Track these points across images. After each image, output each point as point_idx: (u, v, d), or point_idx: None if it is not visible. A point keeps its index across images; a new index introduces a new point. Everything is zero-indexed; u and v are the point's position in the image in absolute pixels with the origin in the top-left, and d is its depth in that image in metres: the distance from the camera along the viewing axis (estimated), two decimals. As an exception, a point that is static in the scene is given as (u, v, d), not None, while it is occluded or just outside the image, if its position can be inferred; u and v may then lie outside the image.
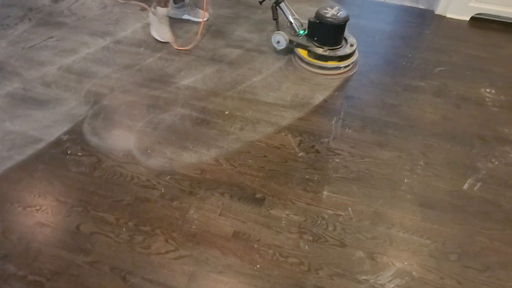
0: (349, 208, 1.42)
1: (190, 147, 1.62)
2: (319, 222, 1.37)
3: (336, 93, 1.95)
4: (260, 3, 2.08)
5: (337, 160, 1.60)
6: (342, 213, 1.40)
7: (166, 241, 1.30)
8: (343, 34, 2.02)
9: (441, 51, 2.31)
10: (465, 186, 1.52)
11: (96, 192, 1.43)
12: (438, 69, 2.16)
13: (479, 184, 1.52)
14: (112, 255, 1.25)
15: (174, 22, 2.36)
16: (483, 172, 1.57)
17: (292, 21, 2.07)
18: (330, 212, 1.40)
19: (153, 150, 1.60)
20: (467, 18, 2.66)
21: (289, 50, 2.17)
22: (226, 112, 1.79)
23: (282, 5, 2.04)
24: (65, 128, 1.67)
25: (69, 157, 1.55)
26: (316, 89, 1.96)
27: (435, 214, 1.41)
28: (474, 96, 1.98)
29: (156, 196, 1.43)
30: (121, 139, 1.64)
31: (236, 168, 1.54)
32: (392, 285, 1.20)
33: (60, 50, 2.12)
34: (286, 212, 1.40)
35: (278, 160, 1.58)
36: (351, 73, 2.06)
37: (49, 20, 2.39)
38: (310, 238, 1.32)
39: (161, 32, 2.19)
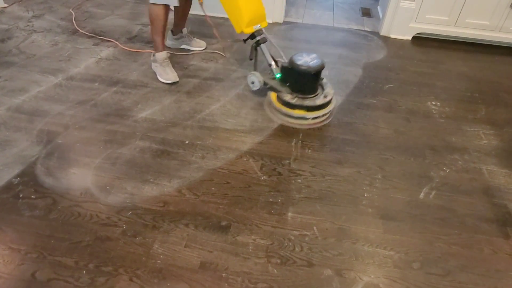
0: (314, 227, 1.44)
1: (151, 180, 1.59)
2: (286, 244, 1.37)
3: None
4: (244, 41, 2.07)
5: (299, 180, 1.62)
6: (308, 233, 1.41)
7: (131, 279, 1.24)
8: (315, 83, 1.93)
9: (388, 69, 2.47)
10: (421, 195, 1.59)
11: (52, 236, 1.35)
12: (387, 86, 2.29)
13: (433, 192, 1.60)
14: (72, 302, 1.18)
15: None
16: (437, 181, 1.66)
17: (272, 64, 2.02)
18: (296, 232, 1.41)
19: (112, 186, 1.55)
20: (409, 38, 2.87)
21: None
22: (187, 142, 1.79)
23: (263, 46, 2.01)
24: (16, 170, 1.59)
25: (22, 201, 1.47)
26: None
27: (396, 225, 1.46)
28: (422, 109, 2.11)
29: (117, 234, 1.37)
30: (78, 178, 1.58)
31: (200, 197, 1.53)
32: (361, 300, 1.22)
33: (9, 90, 2.05)
34: (253, 237, 1.39)
35: (241, 185, 1.58)
36: (321, 125, 1.93)
37: (-3, 60, 2.31)
38: (278, 261, 1.32)
39: (166, 74, 2.18)
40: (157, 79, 2.20)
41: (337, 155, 1.76)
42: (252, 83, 2.05)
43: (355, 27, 3.01)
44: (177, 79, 2.18)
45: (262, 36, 2.01)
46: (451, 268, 1.32)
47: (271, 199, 1.53)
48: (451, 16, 2.69)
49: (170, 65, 2.22)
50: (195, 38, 2.52)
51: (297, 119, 1.90)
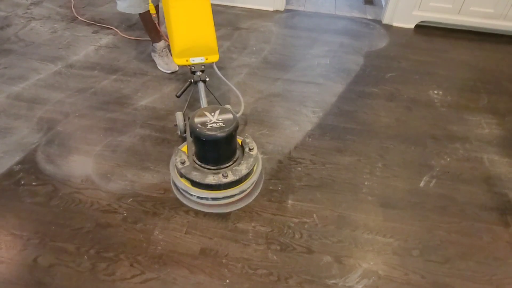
0: (314, 215, 1.44)
1: (151, 167, 1.59)
2: (286, 231, 1.38)
3: (295, 102, 1.99)
4: (178, 96, 1.67)
5: (300, 168, 1.62)
6: (308, 220, 1.42)
7: (131, 265, 1.25)
8: (215, 154, 1.36)
9: (390, 58, 2.44)
10: (422, 184, 1.59)
11: (53, 222, 1.36)
12: (388, 75, 2.27)
13: (434, 181, 1.60)
14: (74, 286, 1.19)
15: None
16: (437, 169, 1.65)
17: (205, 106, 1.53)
18: (296, 220, 1.42)
19: (113, 173, 1.55)
20: (412, 26, 2.84)
21: (252, 67, 2.21)
22: (187, 130, 1.78)
23: (199, 85, 1.64)
24: (17, 158, 1.59)
25: (23, 188, 1.47)
26: (275, 100, 2.00)
27: (396, 213, 1.46)
28: (424, 98, 2.10)
29: (118, 220, 1.38)
30: (79, 165, 1.58)
31: (200, 184, 1.53)
32: (360, 286, 1.22)
33: (8, 78, 2.04)
34: (253, 224, 1.40)
35: (242, 173, 1.58)
36: (211, 211, 1.42)
37: (-4, 47, 2.30)
38: (278, 247, 1.32)
39: (165, 64, 2.17)
40: (156, 67, 2.18)
41: (337, 144, 1.76)
42: (175, 125, 1.65)
43: (357, 15, 2.97)
44: (177, 68, 2.17)
45: (201, 73, 1.64)
46: (450, 256, 1.32)
47: (271, 187, 1.53)
48: (455, 3, 2.65)
49: (169, 54, 2.20)
50: None
51: (182, 191, 1.44)
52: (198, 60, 1.63)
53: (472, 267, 1.29)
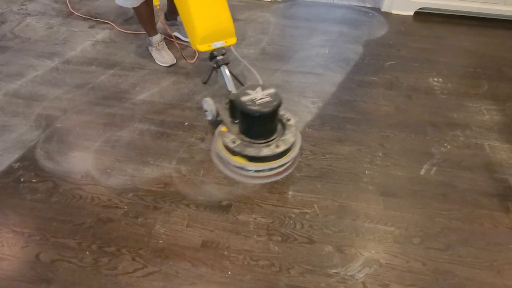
0: (315, 205, 1.44)
1: (151, 161, 1.59)
2: (287, 222, 1.38)
3: (294, 93, 1.98)
4: (210, 59, 1.71)
5: (300, 159, 1.62)
6: (309, 211, 1.42)
7: (133, 259, 1.26)
8: (264, 128, 1.46)
9: (389, 46, 2.42)
10: (422, 172, 1.58)
11: (54, 218, 1.37)
12: (388, 63, 2.25)
13: (434, 169, 1.60)
14: (77, 281, 1.20)
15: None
16: (438, 157, 1.65)
17: (232, 91, 1.62)
18: (297, 211, 1.42)
19: (112, 168, 1.55)
20: (411, 13, 2.80)
21: (250, 59, 2.19)
22: (186, 123, 1.78)
23: (222, 68, 1.67)
24: (16, 155, 1.59)
25: (23, 185, 1.48)
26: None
27: (397, 201, 1.46)
28: (424, 86, 2.08)
29: (119, 215, 1.38)
30: (78, 161, 1.58)
31: (200, 177, 1.53)
32: (362, 275, 1.23)
33: (5, 75, 2.03)
34: (254, 216, 1.40)
35: (242, 165, 1.58)
36: (268, 181, 1.50)
37: (-8, 45, 2.28)
38: (279, 238, 1.33)
39: (162, 57, 2.15)
40: (155, 61, 2.17)
41: (337, 133, 1.75)
42: (205, 111, 1.70)
43: (356, 4, 2.94)
44: (174, 61, 2.15)
45: (224, 56, 1.67)
46: (451, 243, 1.32)
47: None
48: (454, -11, 2.62)
49: (166, 47, 2.18)
50: None
51: (237, 169, 1.49)
52: (219, 44, 1.65)
53: (473, 253, 1.29)
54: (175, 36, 2.21)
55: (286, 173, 1.53)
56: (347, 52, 2.33)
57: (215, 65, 1.68)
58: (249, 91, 1.43)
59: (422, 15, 2.78)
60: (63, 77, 2.03)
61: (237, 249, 1.29)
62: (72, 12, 2.62)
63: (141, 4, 1.95)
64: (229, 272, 1.23)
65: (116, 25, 2.49)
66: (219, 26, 1.62)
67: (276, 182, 1.52)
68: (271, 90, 1.43)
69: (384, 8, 2.83)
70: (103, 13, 2.63)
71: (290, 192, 1.48)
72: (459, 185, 1.53)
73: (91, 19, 2.55)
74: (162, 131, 1.73)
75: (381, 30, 2.58)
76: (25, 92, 1.92)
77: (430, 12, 2.78)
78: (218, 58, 1.67)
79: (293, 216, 1.40)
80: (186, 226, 1.36)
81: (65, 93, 1.92)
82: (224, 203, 1.44)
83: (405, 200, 1.46)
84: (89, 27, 2.47)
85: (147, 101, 1.90)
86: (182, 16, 1.68)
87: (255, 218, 1.39)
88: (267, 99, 1.39)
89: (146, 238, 1.31)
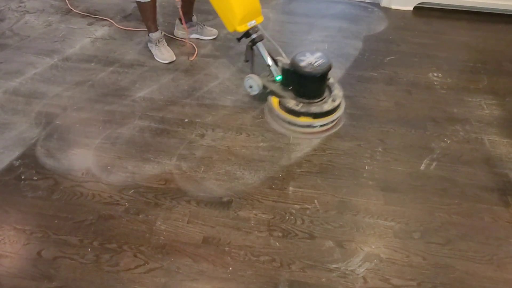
0: (315, 201, 1.44)
1: (151, 158, 1.59)
2: (287, 217, 1.39)
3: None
4: (238, 40, 1.85)
5: (300, 155, 1.62)
6: (309, 206, 1.42)
7: (135, 256, 1.26)
8: (322, 87, 1.71)
9: (389, 41, 2.41)
10: (422, 167, 1.58)
11: (56, 215, 1.37)
12: (388, 58, 2.25)
13: (434, 163, 1.60)
14: (79, 278, 1.21)
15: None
16: (437, 152, 1.65)
17: (270, 64, 1.78)
18: (297, 206, 1.42)
19: (113, 165, 1.56)
20: (411, 8, 2.80)
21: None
22: (186, 120, 1.78)
23: (260, 45, 1.78)
24: (17, 153, 1.59)
25: (24, 183, 1.48)
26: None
27: (397, 196, 1.47)
28: (423, 81, 2.08)
29: (120, 212, 1.39)
30: (79, 158, 1.59)
31: (200, 174, 1.53)
32: (362, 269, 1.23)
33: (5, 73, 2.02)
34: (254, 211, 1.40)
35: (242, 161, 1.58)
36: (330, 133, 1.72)
37: (-9, 42, 2.28)
38: (280, 234, 1.33)
39: (161, 54, 2.15)
40: (153, 58, 2.16)
41: (337, 129, 1.75)
42: (250, 87, 1.82)
43: (355, -1, 2.93)
44: (174, 58, 2.15)
45: (258, 33, 1.77)
46: (451, 237, 1.33)
47: (272, 174, 1.53)
48: (453, -16, 2.61)
49: (165, 44, 2.18)
50: (206, 26, 2.39)
51: (303, 128, 1.70)
52: (252, 23, 1.76)
53: (473, 248, 1.30)
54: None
55: (340, 124, 1.76)
56: (346, 48, 2.33)
57: (251, 43, 1.79)
58: (301, 58, 1.63)
59: (422, 10, 2.77)
60: (63, 74, 2.03)
61: (238, 245, 1.30)
62: (71, 9, 2.61)
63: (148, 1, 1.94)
64: (230, 268, 1.24)
65: (115, 22, 2.48)
66: (252, 6, 1.73)
67: (276, 178, 1.52)
68: (319, 53, 1.65)
69: (383, 3, 2.82)
70: (102, 10, 2.62)
71: (291, 188, 1.49)
72: (459, 180, 1.53)
73: (90, 16, 2.55)
74: (162, 128, 1.73)
75: (380, 26, 2.57)
76: (24, 90, 1.92)
77: (429, 7, 2.78)
78: (254, 36, 1.77)
79: (294, 211, 1.40)
80: (187, 223, 1.36)
81: (65, 90, 1.92)
82: (224, 199, 1.44)
83: (405, 195, 1.47)
84: (88, 24, 2.47)
85: (147, 98, 1.90)
86: (216, 5, 1.76)
87: (255, 214, 1.39)
88: (321, 61, 1.61)
89: (147, 235, 1.32)
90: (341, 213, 1.40)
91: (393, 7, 2.80)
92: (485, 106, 1.90)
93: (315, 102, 1.68)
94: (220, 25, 2.46)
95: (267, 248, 1.29)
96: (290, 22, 2.60)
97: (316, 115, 1.65)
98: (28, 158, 1.57)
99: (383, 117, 1.83)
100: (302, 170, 1.56)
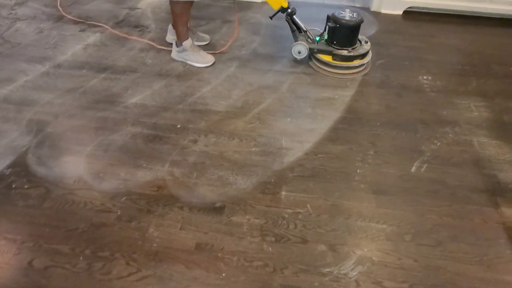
0: (308, 205, 1.45)
1: (144, 165, 1.59)
2: (280, 222, 1.39)
3: (286, 94, 1.99)
4: (271, 18, 2.15)
5: (292, 159, 1.63)
6: (301, 210, 1.43)
7: (127, 263, 1.26)
8: (357, 35, 2.13)
9: (379, 44, 2.44)
10: (413, 169, 1.60)
11: (47, 224, 1.36)
12: (378, 62, 2.27)
13: (425, 166, 1.62)
14: (71, 287, 1.20)
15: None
16: (428, 154, 1.67)
17: (307, 30, 2.14)
18: (290, 211, 1.43)
19: (105, 173, 1.55)
20: (400, 12, 2.83)
21: (242, 60, 2.21)
22: (178, 126, 1.78)
23: (295, 17, 2.12)
24: (7, 161, 1.58)
25: (14, 191, 1.47)
26: (266, 92, 2.00)
27: (388, 199, 1.48)
28: (414, 84, 2.10)
29: (112, 219, 1.38)
30: (71, 166, 1.58)
31: (193, 180, 1.53)
32: (355, 273, 1.24)
33: (-5, 81, 2.02)
34: (247, 217, 1.41)
35: (234, 167, 1.59)
36: (368, 70, 2.17)
37: (-19, 50, 2.26)
38: (273, 239, 1.34)
39: (203, 58, 2.16)
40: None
41: (329, 133, 1.76)
42: (299, 52, 2.13)
43: (346, 3, 2.96)
44: (214, 59, 2.18)
45: (292, 8, 2.10)
46: (442, 239, 1.34)
47: (264, 179, 1.54)
48: (442, -12, 2.65)
49: (200, 47, 2.19)
50: (198, 32, 2.42)
51: (356, 68, 2.13)
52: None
53: (463, 249, 1.31)
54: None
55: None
56: (337, 52, 2.35)
57: (289, 16, 2.13)
58: (341, 15, 2.05)
59: (411, 14, 2.81)
60: (54, 81, 2.03)
61: (231, 251, 1.30)
62: (63, 16, 2.60)
63: (187, 2, 1.95)
64: (224, 274, 1.24)
65: (110, 27, 2.47)
66: None
67: (269, 182, 1.53)
68: (347, 9, 2.10)
69: (373, 8, 2.85)
70: (94, 17, 2.62)
71: (283, 192, 1.49)
72: (449, 182, 1.55)
73: (82, 22, 2.54)
74: (154, 134, 1.73)
75: (371, 29, 2.60)
76: (15, 97, 1.91)
77: (418, 11, 2.81)
78: (289, 10, 2.10)
79: (286, 216, 1.41)
80: (180, 229, 1.36)
81: (57, 97, 1.92)
82: (217, 205, 1.44)
83: (397, 198, 1.48)
84: (80, 31, 2.46)
85: (139, 104, 1.90)
86: None
87: (248, 219, 1.40)
88: (355, 14, 2.08)
89: (140, 242, 1.32)
90: (333, 217, 1.41)
91: (383, 11, 2.84)
92: (474, 108, 1.93)
93: (355, 48, 2.11)
94: (211, 31, 2.48)
95: (260, 253, 1.30)
96: (282, 27, 2.60)
97: (363, 55, 2.11)
98: (19, 167, 1.56)
99: (374, 120, 1.84)
100: (295, 174, 1.57)
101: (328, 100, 1.97)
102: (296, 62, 2.24)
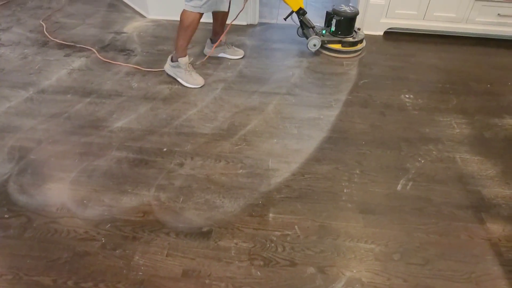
0: (296, 226, 1.44)
1: (129, 190, 1.57)
2: (268, 245, 1.38)
3: (272, 115, 2.01)
4: (285, 19, 2.53)
5: (279, 180, 1.63)
6: (290, 232, 1.42)
7: (112, 294, 1.22)
8: (354, 25, 2.58)
9: (362, 65, 2.50)
10: (399, 187, 1.62)
11: (28, 255, 1.32)
12: (361, 81, 2.32)
13: (410, 183, 1.63)
14: (52, 321, 1.15)
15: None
16: (413, 172, 1.69)
17: (315, 26, 2.54)
18: (278, 233, 1.42)
19: (89, 199, 1.52)
20: (381, 33, 2.92)
21: (228, 82, 2.23)
22: (164, 149, 1.77)
23: (307, 16, 2.48)
24: (-12, 190, 1.54)
25: (-5, 221, 1.43)
26: (251, 114, 2.01)
27: (375, 218, 1.48)
28: (396, 102, 2.15)
29: (96, 248, 1.35)
30: (53, 193, 1.55)
31: (180, 204, 1.51)
32: (344, 296, 1.23)
33: (-23, 108, 1.99)
34: (235, 241, 1.39)
35: (221, 189, 1.58)
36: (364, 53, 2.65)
37: (-37, 77, 2.24)
38: (261, 263, 1.32)
39: (193, 79, 2.17)
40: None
41: (315, 153, 1.78)
42: (314, 45, 2.53)
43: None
44: (204, 82, 2.20)
45: (303, 9, 2.45)
46: (430, 257, 1.34)
47: (251, 201, 1.53)
48: (419, 10, 2.75)
49: (193, 68, 2.21)
50: (233, 47, 2.50)
51: (359, 51, 2.63)
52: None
53: (451, 267, 1.31)
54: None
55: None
56: (322, 72, 2.39)
57: (302, 16, 2.49)
58: (341, 9, 2.52)
59: (392, 35, 2.90)
60: (38, 107, 2.01)
61: (218, 277, 1.27)
62: (47, 42, 2.61)
63: (198, 16, 1.98)
64: (211, 301, 1.21)
65: (96, 51, 2.48)
66: None
67: (256, 205, 1.52)
68: (343, 4, 2.58)
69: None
70: (80, 41, 2.63)
71: (271, 215, 1.48)
72: (435, 199, 1.56)
73: (67, 46, 2.55)
74: (140, 158, 1.72)
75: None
76: (-3, 124, 1.88)
77: (398, 32, 2.91)
78: (301, 11, 2.45)
79: (274, 239, 1.40)
80: (166, 256, 1.33)
81: (40, 123, 1.89)
82: (204, 229, 1.42)
83: (384, 217, 1.49)
84: (65, 56, 2.46)
85: (124, 128, 1.89)
86: None
87: (236, 243, 1.38)
88: (352, 8, 2.55)
89: (124, 271, 1.28)
90: (321, 238, 1.40)
91: (364, 32, 2.92)
92: (455, 125, 1.97)
93: (351, 36, 2.58)
94: (242, 46, 2.51)
95: (248, 278, 1.27)
96: (267, 48, 2.67)
97: (361, 40, 2.60)
98: (0, 196, 1.52)
99: (359, 139, 1.87)
100: (282, 195, 1.56)
101: (314, 120, 1.99)
102: (281, 82, 2.27)
